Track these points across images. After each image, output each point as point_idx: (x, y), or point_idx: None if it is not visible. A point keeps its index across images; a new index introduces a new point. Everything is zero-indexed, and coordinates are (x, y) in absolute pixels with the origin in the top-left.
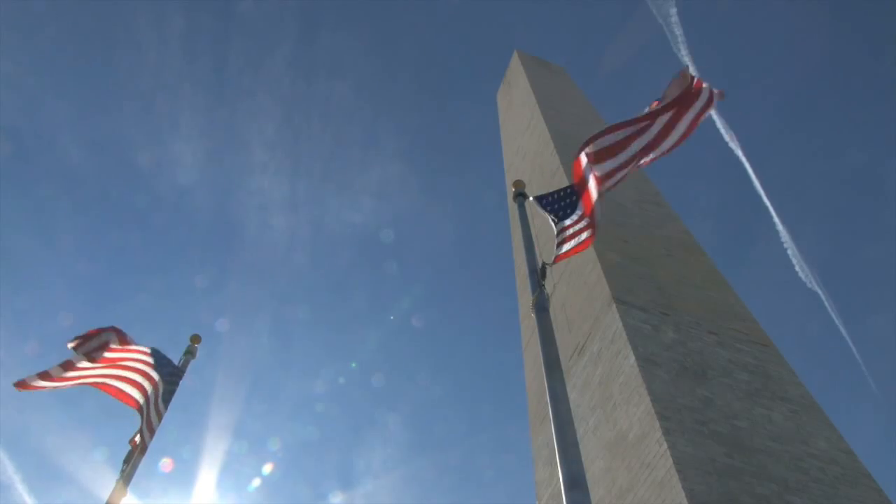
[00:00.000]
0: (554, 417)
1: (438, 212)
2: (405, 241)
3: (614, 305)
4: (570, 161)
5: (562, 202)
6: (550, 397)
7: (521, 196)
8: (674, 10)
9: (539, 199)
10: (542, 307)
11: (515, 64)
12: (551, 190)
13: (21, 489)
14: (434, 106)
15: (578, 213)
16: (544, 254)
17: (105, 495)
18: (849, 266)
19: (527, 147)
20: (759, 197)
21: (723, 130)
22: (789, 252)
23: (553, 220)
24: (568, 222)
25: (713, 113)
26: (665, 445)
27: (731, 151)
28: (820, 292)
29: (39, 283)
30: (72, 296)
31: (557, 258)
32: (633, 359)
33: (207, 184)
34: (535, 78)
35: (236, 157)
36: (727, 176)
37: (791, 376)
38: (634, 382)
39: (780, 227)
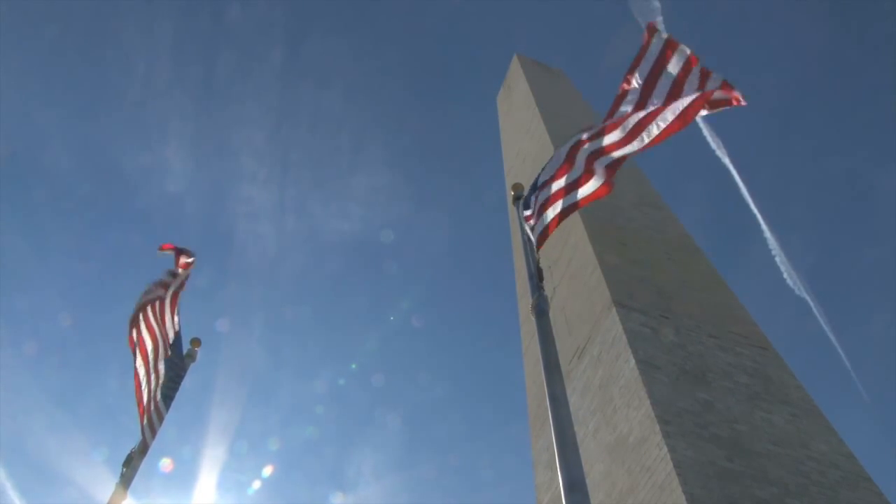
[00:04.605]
0: (554, 420)
1: (439, 214)
2: (405, 242)
3: (614, 308)
4: None
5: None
6: (550, 400)
7: (520, 199)
8: (660, 19)
9: (525, 202)
10: (541, 310)
11: (515, 67)
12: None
13: (13, 495)
14: (432, 109)
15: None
16: (544, 256)
17: (104, 498)
18: (837, 272)
19: (527, 150)
20: (747, 204)
21: (709, 137)
22: (777, 259)
23: (529, 215)
24: (537, 203)
25: (700, 121)
26: (665, 449)
27: (717, 159)
28: (808, 299)
29: (36, 284)
30: (70, 297)
31: (539, 244)
32: (633, 362)
33: (198, 191)
34: (534, 81)
35: (227, 164)
36: (714, 183)
37: (791, 379)
38: (634, 386)
39: (767, 234)
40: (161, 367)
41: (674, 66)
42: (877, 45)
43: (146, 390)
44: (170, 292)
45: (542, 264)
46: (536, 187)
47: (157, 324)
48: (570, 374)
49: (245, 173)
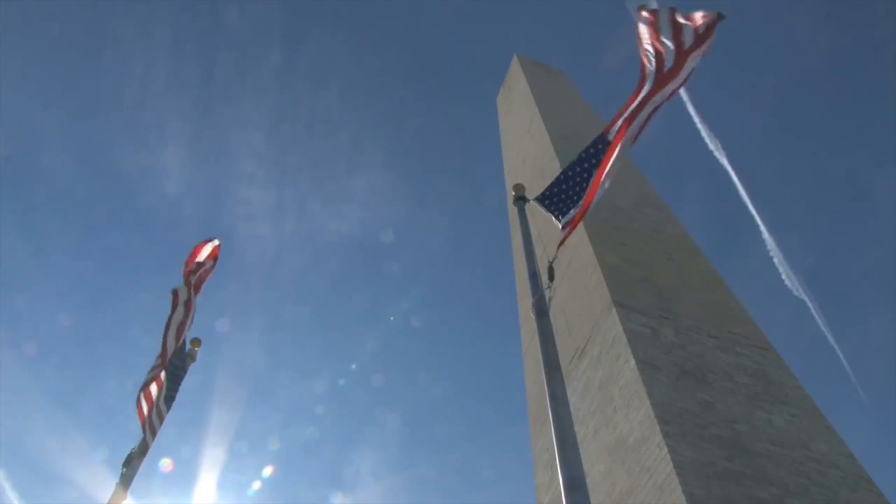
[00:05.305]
0: (554, 420)
1: (438, 214)
2: (405, 242)
3: (614, 309)
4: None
5: (564, 195)
6: (550, 399)
7: (521, 200)
8: None
9: (540, 198)
10: (542, 311)
11: (515, 68)
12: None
13: (12, 495)
14: (432, 109)
15: (579, 202)
16: (545, 256)
17: (104, 498)
18: (836, 273)
19: (527, 150)
20: (745, 205)
21: (707, 139)
22: (775, 260)
23: (556, 218)
24: (568, 217)
25: (698, 122)
26: (665, 449)
27: (715, 160)
28: (806, 300)
29: (36, 285)
30: (70, 297)
31: (559, 246)
32: (633, 362)
33: (196, 191)
34: (534, 81)
35: (226, 165)
36: (712, 183)
37: (791, 380)
38: (634, 386)
39: (765, 234)
40: (169, 366)
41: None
42: (877, 45)
43: (153, 390)
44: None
45: (543, 265)
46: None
47: (178, 323)
48: (570, 375)
49: (243, 174)
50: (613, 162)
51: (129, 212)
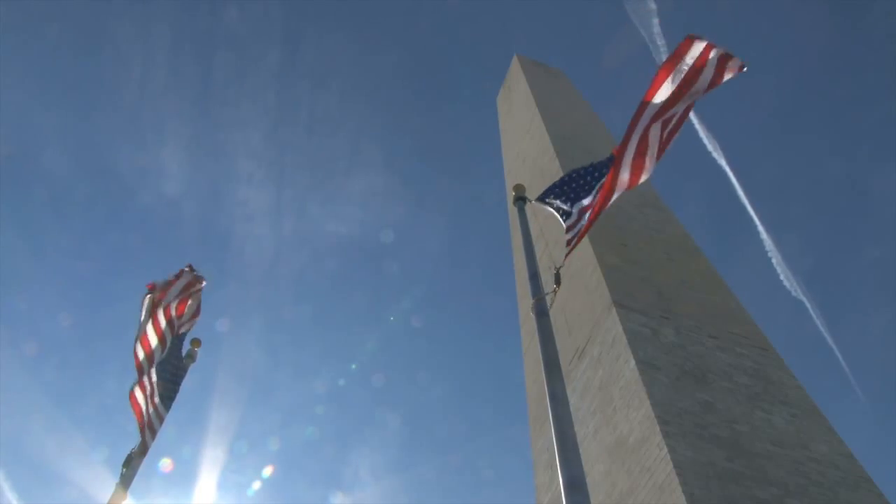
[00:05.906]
0: (554, 420)
1: (438, 214)
2: (405, 242)
3: (614, 309)
4: (569, 164)
5: (565, 196)
6: (550, 399)
7: (521, 200)
8: (656, 21)
9: (543, 196)
10: (542, 311)
11: (515, 68)
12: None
13: (11, 496)
14: (432, 109)
15: (586, 201)
16: (545, 256)
17: (104, 498)
18: (835, 273)
19: (527, 151)
20: (743, 205)
21: (705, 139)
22: (773, 261)
23: (561, 214)
24: (571, 221)
25: (696, 122)
26: (665, 449)
27: (713, 160)
28: (805, 300)
29: (35, 285)
30: (69, 297)
31: (566, 256)
32: (633, 363)
33: (195, 192)
34: (534, 81)
35: (224, 165)
36: (710, 184)
37: (791, 380)
38: (634, 386)
39: (764, 235)
40: (154, 370)
41: (689, 62)
42: (877, 45)
43: (146, 391)
44: (175, 300)
45: (544, 265)
46: (571, 197)
47: (156, 326)
48: (570, 375)
49: (242, 174)
50: (620, 183)
51: (129, 212)
